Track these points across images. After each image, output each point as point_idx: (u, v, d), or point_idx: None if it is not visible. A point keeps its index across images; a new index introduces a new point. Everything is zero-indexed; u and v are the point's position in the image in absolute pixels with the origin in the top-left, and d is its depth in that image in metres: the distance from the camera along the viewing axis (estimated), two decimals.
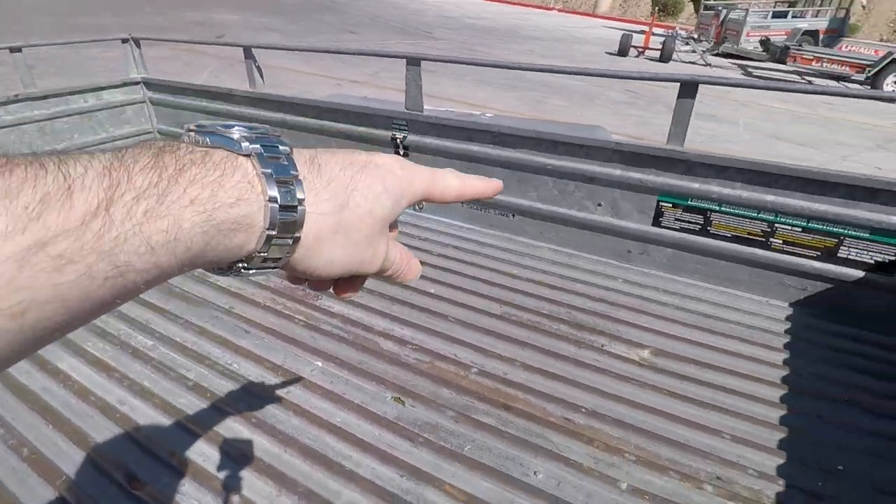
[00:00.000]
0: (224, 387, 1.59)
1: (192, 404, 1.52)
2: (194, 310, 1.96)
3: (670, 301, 2.06)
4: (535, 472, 1.34)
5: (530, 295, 2.08)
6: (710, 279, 2.18)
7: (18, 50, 3.10)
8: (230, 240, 0.27)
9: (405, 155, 2.71)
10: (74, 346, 1.75)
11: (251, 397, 1.55)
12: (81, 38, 3.69)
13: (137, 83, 3.67)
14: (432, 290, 2.10)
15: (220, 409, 1.51)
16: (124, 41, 3.58)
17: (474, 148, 2.48)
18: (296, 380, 1.62)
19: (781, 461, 1.38)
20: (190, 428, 1.44)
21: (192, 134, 0.32)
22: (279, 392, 1.57)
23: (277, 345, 1.78)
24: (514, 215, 2.52)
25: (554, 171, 2.32)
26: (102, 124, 3.53)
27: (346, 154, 0.35)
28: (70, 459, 1.34)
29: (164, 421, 1.46)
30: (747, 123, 7.51)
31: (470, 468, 1.34)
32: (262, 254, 0.29)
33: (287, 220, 0.28)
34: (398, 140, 2.70)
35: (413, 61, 2.51)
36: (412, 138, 2.66)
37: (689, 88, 1.97)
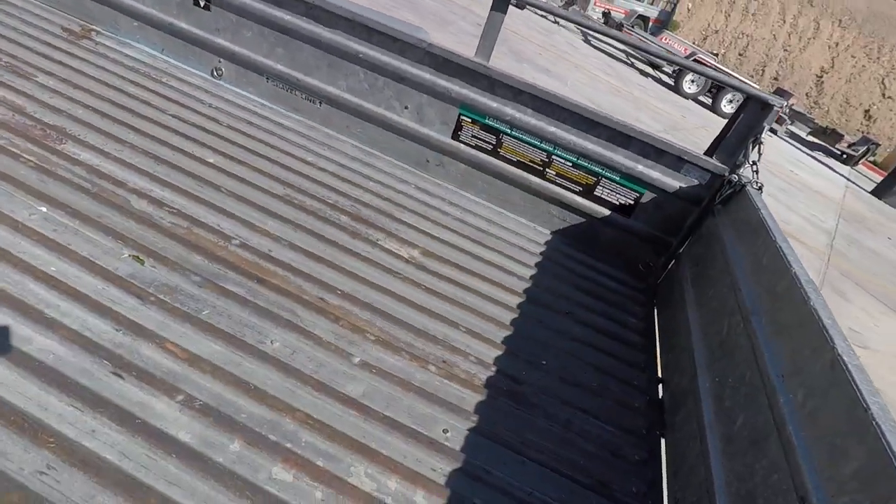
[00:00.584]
0: None
1: None
2: None
3: (452, 212, 2.21)
4: (271, 342, 1.35)
5: (319, 183, 2.04)
6: (492, 199, 2.38)
7: None
8: None
9: (206, 7, 2.36)
10: None
11: None
12: None
13: None
14: (211, 160, 1.92)
15: None
16: None
17: (284, 17, 2.25)
18: (6, 221, 1.37)
19: (499, 352, 1.61)
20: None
21: None
22: None
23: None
24: (321, 103, 2.40)
25: (365, 62, 2.24)
26: None
27: None
28: None
29: None
30: (574, 85, 8.23)
31: (202, 330, 1.30)
32: None
33: None
34: None
35: None
36: None
37: (501, 3, 2.03)
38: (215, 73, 2.47)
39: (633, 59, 13.07)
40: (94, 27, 2.55)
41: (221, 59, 2.45)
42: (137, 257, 1.43)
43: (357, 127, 2.40)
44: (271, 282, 1.52)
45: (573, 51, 11.14)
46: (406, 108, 2.30)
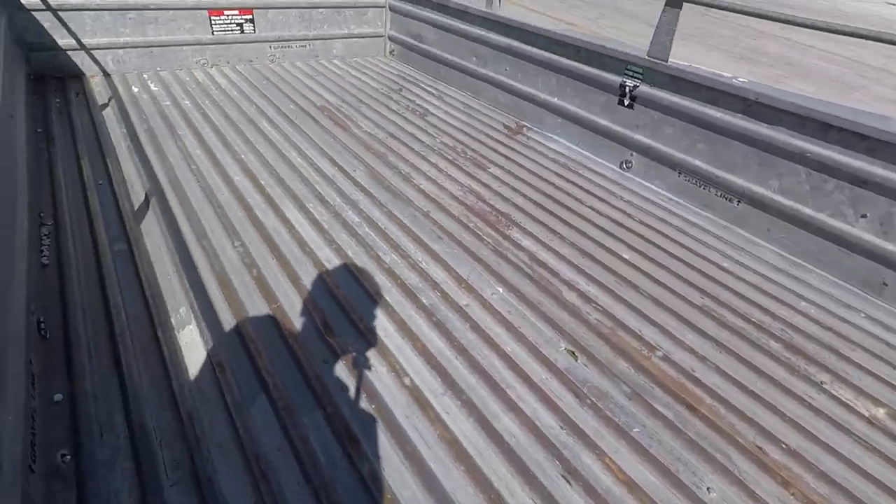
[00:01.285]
0: (412, 279, 1.67)
1: (383, 284, 1.63)
2: (397, 204, 2.07)
3: None
4: (707, 488, 1.19)
5: (739, 296, 1.81)
6: None
7: None
8: None
9: (629, 106, 2.48)
10: (300, 203, 1.98)
11: (434, 298, 1.60)
12: None
13: None
14: (626, 256, 1.94)
15: (407, 297, 1.59)
16: None
17: (716, 115, 2.16)
18: (477, 298, 1.64)
19: None
20: (378, 303, 1.54)
21: None
22: (460, 303, 1.60)
23: (465, 259, 1.80)
24: (739, 202, 2.19)
25: (812, 161, 1.93)
26: (347, 21, 3.81)
27: None
28: (283, 291, 1.53)
29: (359, 290, 1.59)
30: None
31: (636, 452, 1.24)
32: None
33: None
34: (627, 88, 2.46)
35: (674, 2, 2.21)
36: (644, 90, 2.40)
37: None
38: (624, 166, 2.57)
39: None
40: (525, 123, 3.01)
41: (633, 153, 2.53)
42: (572, 352, 1.50)
43: (781, 231, 2.09)
44: (700, 410, 1.38)
45: None
46: (864, 216, 1.86)
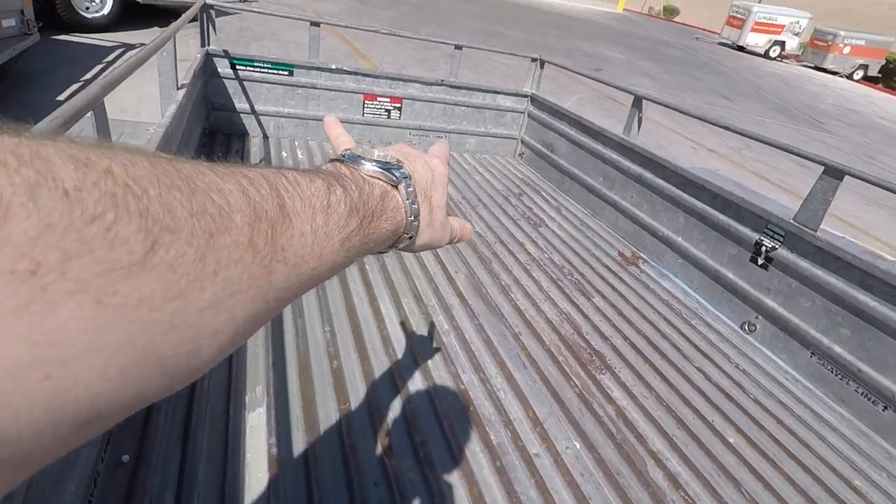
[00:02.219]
0: (486, 409, 1.58)
1: (454, 409, 1.56)
2: (490, 318, 2.02)
3: None
4: None
5: None
6: None
7: (459, 48, 3.77)
8: (389, 238, 0.40)
9: (763, 266, 2.27)
10: (396, 297, 2.01)
11: (504, 438, 1.49)
12: (502, 50, 4.35)
13: (526, 96, 4.06)
14: (732, 440, 1.69)
15: (476, 430, 1.50)
16: (533, 60, 3.99)
17: (869, 302, 1.89)
18: (550, 448, 1.50)
19: None
20: (445, 430, 1.46)
21: (361, 161, 0.39)
22: (531, 451, 1.48)
23: (546, 398, 1.68)
24: (886, 407, 1.84)
25: None
26: (485, 121, 4.03)
27: (423, 164, 0.45)
28: (356, 391, 1.52)
29: (429, 410, 1.53)
30: None
31: None
32: (400, 244, 0.43)
33: (413, 225, 0.42)
34: (764, 248, 2.26)
35: (834, 172, 2.03)
36: (783, 253, 2.19)
37: None
38: (747, 328, 2.31)
39: None
40: (641, 254, 2.88)
41: (759, 316, 2.28)
42: None
43: None
44: None
45: None
46: None
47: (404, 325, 1.87)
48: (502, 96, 4.00)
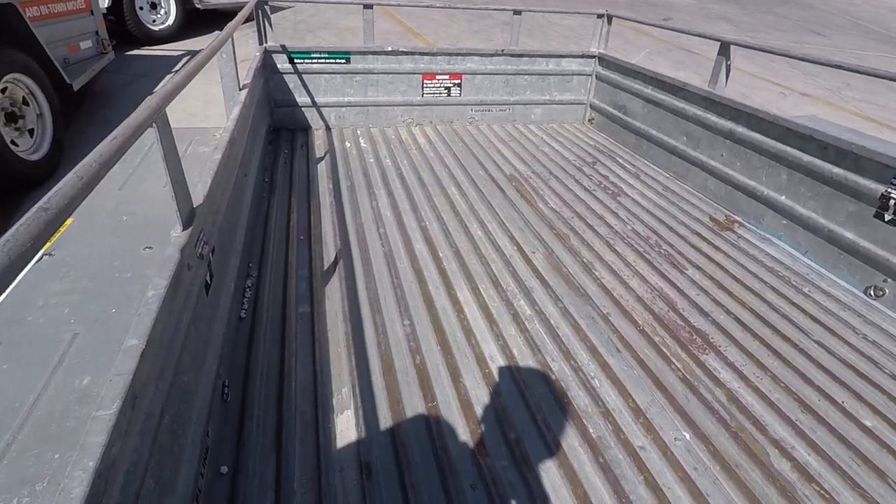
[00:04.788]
0: (581, 400, 1.47)
1: (547, 401, 1.46)
2: (574, 300, 1.90)
3: None
4: None
5: None
6: None
7: (518, 13, 3.56)
8: None
9: (891, 223, 1.96)
10: (473, 284, 1.93)
11: (604, 430, 1.38)
12: (564, 9, 4.05)
13: (593, 57, 3.79)
14: (868, 423, 1.48)
15: (573, 423, 1.40)
16: (599, 16, 3.70)
17: None
18: (656, 440, 1.38)
19: None
20: (539, 424, 1.38)
21: None
22: (635, 444, 1.36)
23: (645, 385, 1.55)
24: None
25: None
26: (550, 88, 3.81)
27: None
28: (442, 387, 1.46)
29: (520, 403, 1.44)
30: None
31: None
32: None
33: None
34: (892, 201, 1.96)
35: None
36: None
37: None
38: (873, 293, 2.03)
39: None
40: (736, 218, 2.61)
41: (888, 280, 1.99)
42: None
43: None
44: None
45: None
46: None
47: (485, 312, 1.79)
48: (567, 60, 3.76)
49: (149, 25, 6.62)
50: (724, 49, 2.70)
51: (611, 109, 3.67)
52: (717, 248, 2.33)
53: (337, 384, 1.43)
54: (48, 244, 1.57)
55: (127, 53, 6.31)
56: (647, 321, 1.82)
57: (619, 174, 3.05)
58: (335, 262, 1.98)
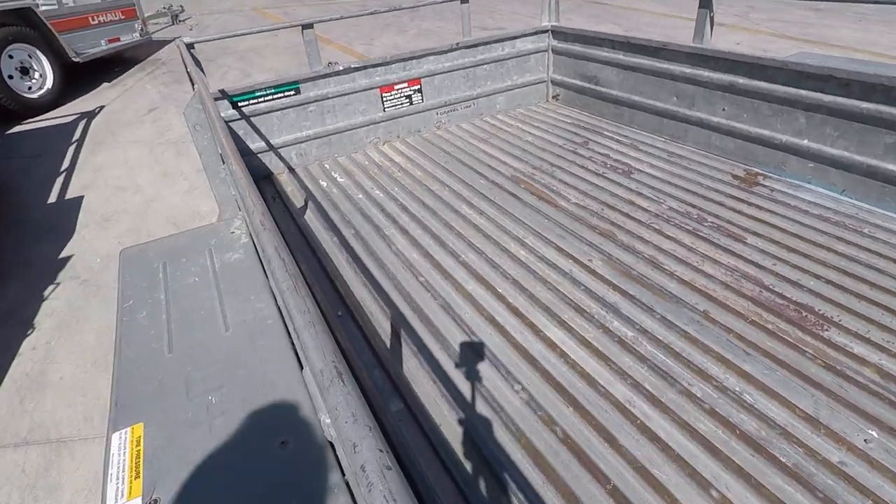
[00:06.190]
0: (750, 425, 1.31)
1: (713, 434, 1.29)
2: (665, 304, 1.73)
3: None
4: None
5: None
6: None
7: (466, 0, 3.32)
8: None
9: None
10: (552, 314, 1.72)
11: (795, 455, 1.23)
12: None
13: (545, 31, 3.62)
14: None
15: (754, 452, 1.24)
16: None
17: None
18: (851, 449, 1.24)
19: None
20: (725, 463, 1.21)
21: None
22: (833, 459, 1.21)
23: (797, 385, 1.41)
24: None
25: None
26: (510, 72, 3.61)
27: None
28: (606, 460, 1.25)
29: (692, 446, 1.26)
30: None
31: None
32: None
33: None
34: None
35: None
36: None
37: None
38: None
39: None
40: (757, 170, 2.55)
41: None
42: None
43: None
44: None
45: None
46: None
47: (589, 349, 1.59)
48: (521, 40, 3.56)
49: (24, 94, 5.77)
50: (706, 1, 2.60)
51: (578, 82, 3.53)
52: (758, 206, 2.25)
53: (492, 497, 1.18)
54: None
55: (7, 133, 5.46)
56: (749, 309, 1.69)
57: (617, 149, 2.92)
58: (396, 336, 1.70)
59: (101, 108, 6.14)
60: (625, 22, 7.13)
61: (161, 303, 1.42)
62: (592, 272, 1.93)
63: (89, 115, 5.89)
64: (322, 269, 2.08)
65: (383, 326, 1.74)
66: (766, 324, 1.63)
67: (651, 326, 1.65)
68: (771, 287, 1.78)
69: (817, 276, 1.81)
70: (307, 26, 2.89)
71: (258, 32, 2.97)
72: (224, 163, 1.83)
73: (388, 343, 1.67)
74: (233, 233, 1.68)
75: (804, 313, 1.66)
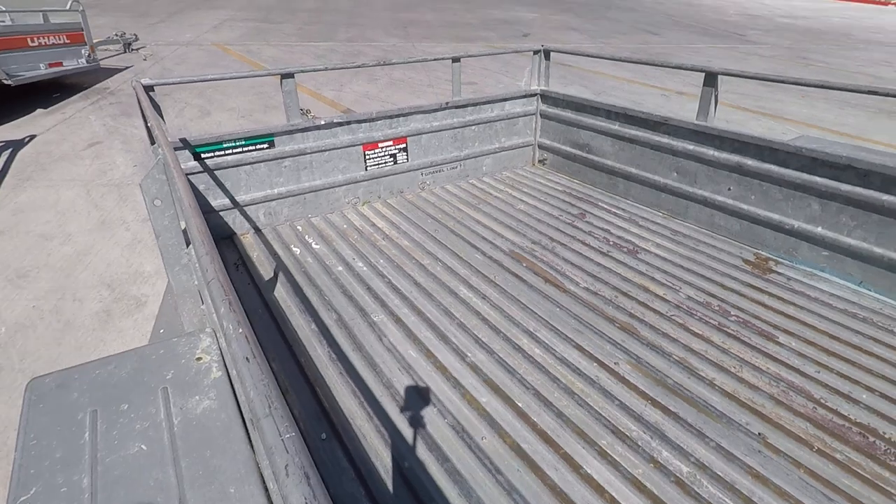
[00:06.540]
0: None
1: None
2: (715, 426, 1.50)
3: None
4: None
5: None
6: None
7: (457, 60, 3.16)
8: None
9: None
10: (587, 440, 1.45)
11: None
12: (503, 51, 3.83)
13: (535, 95, 3.50)
14: None
15: None
16: (535, 53, 3.43)
17: None
18: None
19: None
20: None
21: None
22: None
23: None
24: None
25: None
26: (498, 134, 3.45)
27: None
28: None
29: None
30: None
31: None
32: None
33: None
34: None
35: None
36: None
37: None
38: None
39: None
40: (767, 255, 2.43)
41: None
42: None
43: None
44: None
45: None
46: None
47: (634, 484, 1.31)
48: (511, 102, 3.43)
49: None
50: (711, 79, 2.53)
51: (568, 148, 3.40)
52: (779, 298, 2.10)
53: None
54: None
55: None
56: (810, 433, 1.48)
57: (617, 223, 2.76)
58: (400, 474, 1.36)
59: (32, 137, 5.52)
60: (592, 84, 7.31)
61: (83, 491, 0.87)
62: (622, 380, 1.68)
63: (16, 145, 5.27)
64: (300, 370, 1.72)
65: (381, 457, 1.40)
66: (834, 453, 1.42)
67: (707, 458, 1.40)
68: (823, 402, 1.59)
69: (868, 389, 1.64)
70: (287, 76, 2.61)
71: (231, 78, 2.65)
72: (188, 245, 1.48)
73: (390, 486, 1.33)
74: (199, 359, 1.20)
75: (870, 437, 1.47)
